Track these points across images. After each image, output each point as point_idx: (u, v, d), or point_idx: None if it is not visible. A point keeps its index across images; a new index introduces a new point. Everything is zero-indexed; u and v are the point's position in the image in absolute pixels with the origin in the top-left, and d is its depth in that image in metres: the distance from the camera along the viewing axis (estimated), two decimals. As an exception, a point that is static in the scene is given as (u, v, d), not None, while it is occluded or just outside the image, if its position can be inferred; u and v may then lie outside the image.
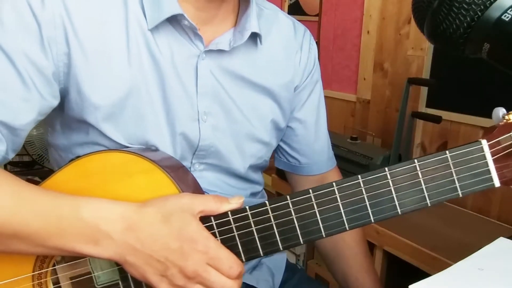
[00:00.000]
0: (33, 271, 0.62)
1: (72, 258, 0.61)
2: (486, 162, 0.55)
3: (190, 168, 0.73)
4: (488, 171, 0.55)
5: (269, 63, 0.76)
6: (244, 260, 0.58)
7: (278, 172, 1.81)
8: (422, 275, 0.51)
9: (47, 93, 0.62)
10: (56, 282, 0.63)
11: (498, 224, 1.37)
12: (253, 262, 0.83)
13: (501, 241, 0.57)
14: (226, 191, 0.77)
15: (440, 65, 1.54)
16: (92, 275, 0.62)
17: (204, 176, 0.74)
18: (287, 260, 0.91)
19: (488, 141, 0.55)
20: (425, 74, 1.59)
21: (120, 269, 0.60)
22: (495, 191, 1.39)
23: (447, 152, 0.55)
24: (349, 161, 1.57)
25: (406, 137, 1.55)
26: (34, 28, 0.59)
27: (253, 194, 0.84)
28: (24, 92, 0.60)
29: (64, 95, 0.65)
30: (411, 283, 0.48)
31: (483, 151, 0.55)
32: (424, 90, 1.61)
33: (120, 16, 0.64)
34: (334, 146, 0.94)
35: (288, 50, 0.80)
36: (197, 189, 0.68)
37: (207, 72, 0.70)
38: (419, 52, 1.62)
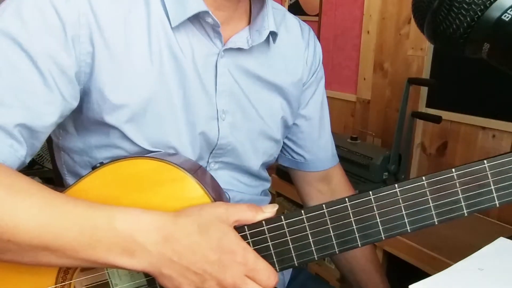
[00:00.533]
0: (56, 283, 0.60)
1: (90, 268, 0.60)
2: None
3: (206, 167, 0.73)
4: None
5: (281, 61, 0.78)
6: (278, 270, 0.58)
7: (278, 172, 1.81)
8: (422, 275, 0.51)
9: (68, 94, 0.61)
10: None
11: (498, 224, 1.37)
12: None
13: (501, 241, 0.57)
14: (240, 189, 0.78)
15: (440, 65, 1.54)
16: None
17: (218, 175, 0.74)
18: None
19: None
20: (425, 74, 1.59)
21: (148, 280, 0.59)
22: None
23: (485, 161, 0.54)
24: (349, 161, 1.57)
25: (406, 137, 1.55)
26: (58, 28, 0.58)
27: (264, 192, 0.86)
28: (47, 94, 0.58)
29: (83, 96, 0.64)
30: (411, 283, 0.48)
31: None
32: (424, 90, 1.60)
33: (142, 16, 0.64)
34: (334, 146, 0.95)
35: (297, 49, 0.81)
36: (217, 191, 0.66)
37: (225, 70, 0.70)
38: (419, 52, 1.61)
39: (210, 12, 0.64)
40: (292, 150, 0.89)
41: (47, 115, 0.59)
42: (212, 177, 0.69)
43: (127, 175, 0.59)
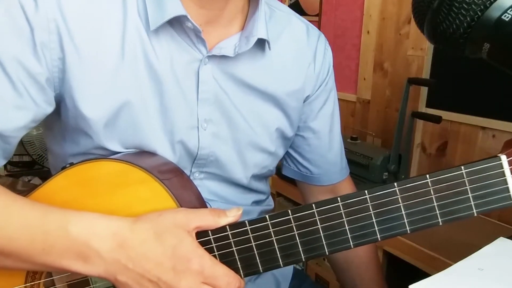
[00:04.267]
0: (25, 283, 0.60)
1: None
2: (505, 179, 0.51)
3: (190, 176, 0.70)
4: (507, 189, 0.51)
5: (277, 69, 0.72)
6: (242, 276, 0.56)
7: (278, 172, 1.81)
8: (422, 275, 0.51)
9: (40, 99, 0.59)
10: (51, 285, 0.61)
11: (498, 224, 1.37)
12: None
13: (501, 241, 0.57)
14: (228, 201, 0.74)
15: (440, 65, 1.54)
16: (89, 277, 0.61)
17: (204, 185, 0.72)
18: (293, 267, 0.89)
19: (508, 157, 0.51)
20: (425, 74, 1.59)
21: None
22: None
23: (462, 167, 0.51)
24: (349, 161, 1.56)
25: (406, 137, 1.55)
26: (27, 32, 0.57)
27: (256, 202, 0.81)
28: (16, 99, 0.57)
29: (59, 102, 0.62)
30: (411, 283, 0.48)
31: (503, 168, 0.51)
32: (424, 90, 1.60)
33: (118, 22, 0.61)
34: (345, 158, 0.92)
35: (299, 57, 0.75)
36: (198, 198, 0.66)
37: (209, 78, 0.66)
38: (419, 52, 1.61)
39: (189, 17, 0.61)
40: (298, 162, 0.85)
41: (16, 120, 0.58)
42: (194, 186, 0.67)
43: (92, 177, 0.58)
